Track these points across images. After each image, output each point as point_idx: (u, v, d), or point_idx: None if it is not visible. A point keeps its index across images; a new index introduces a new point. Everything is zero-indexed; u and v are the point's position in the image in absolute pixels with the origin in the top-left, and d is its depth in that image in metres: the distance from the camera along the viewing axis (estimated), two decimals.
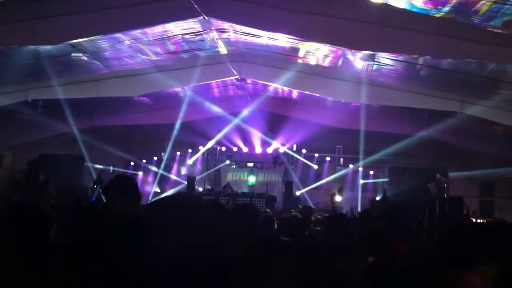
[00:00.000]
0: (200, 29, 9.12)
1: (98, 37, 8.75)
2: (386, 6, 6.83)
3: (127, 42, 9.28)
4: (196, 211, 1.32)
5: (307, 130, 15.41)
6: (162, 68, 10.79)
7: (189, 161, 18.12)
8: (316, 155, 17.59)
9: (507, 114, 10.01)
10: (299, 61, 10.32)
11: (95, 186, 14.63)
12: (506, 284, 2.01)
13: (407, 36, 7.31)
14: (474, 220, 7.58)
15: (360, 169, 17.10)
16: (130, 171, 17.50)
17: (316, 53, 9.69)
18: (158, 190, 17.40)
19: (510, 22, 6.35)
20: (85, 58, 9.62)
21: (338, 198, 15.09)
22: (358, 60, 9.45)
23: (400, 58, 8.85)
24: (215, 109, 14.79)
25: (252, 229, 3.00)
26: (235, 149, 18.01)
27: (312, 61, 10.19)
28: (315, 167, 17.62)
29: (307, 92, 11.66)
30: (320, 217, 6.36)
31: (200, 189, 16.36)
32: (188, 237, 1.24)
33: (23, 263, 1.89)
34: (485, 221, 9.45)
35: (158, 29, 8.93)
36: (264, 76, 11.54)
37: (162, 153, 17.63)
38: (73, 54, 9.30)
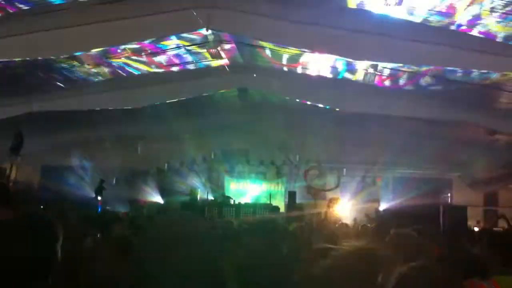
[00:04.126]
0: (202, 40, 9.17)
1: (100, 49, 8.81)
2: (387, 17, 6.88)
3: (130, 54, 9.34)
4: None
5: (311, 139, 15.40)
6: (164, 79, 10.81)
7: (192, 171, 18.11)
8: (319, 165, 17.57)
9: (509, 122, 10.02)
10: (302, 71, 10.34)
11: (97, 196, 14.79)
12: None
13: (407, 46, 7.33)
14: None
15: (363, 178, 17.10)
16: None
17: (319, 63, 9.72)
18: (161, 200, 17.43)
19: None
20: (88, 70, 9.68)
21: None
22: (360, 70, 9.50)
23: (402, 68, 8.88)
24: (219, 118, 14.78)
25: None
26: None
27: (315, 71, 10.22)
28: (319, 177, 17.60)
29: (309, 103, 11.65)
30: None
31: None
32: None
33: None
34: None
35: (160, 41, 9.00)
36: (267, 87, 11.56)
37: (165, 163, 17.67)
38: (77, 66, 9.36)
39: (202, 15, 7.54)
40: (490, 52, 6.89)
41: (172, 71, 10.69)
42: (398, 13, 6.78)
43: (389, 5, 6.58)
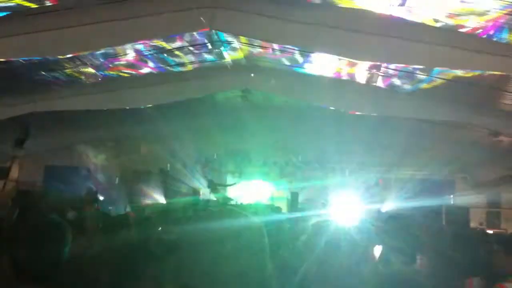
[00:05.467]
0: (205, 40, 9.14)
1: (103, 49, 8.81)
2: (390, 17, 6.85)
3: (133, 54, 9.33)
4: None
5: (313, 141, 15.38)
6: (166, 79, 10.79)
7: (194, 172, 18.09)
8: (321, 165, 17.56)
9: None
10: (307, 71, 10.32)
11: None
12: None
13: (411, 46, 7.30)
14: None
15: (365, 179, 17.05)
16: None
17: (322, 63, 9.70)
18: (162, 200, 17.42)
19: None
20: (92, 70, 9.67)
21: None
22: (363, 70, 9.47)
23: (405, 69, 8.86)
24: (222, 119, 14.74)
25: None
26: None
27: (318, 71, 10.19)
28: (322, 178, 17.58)
29: (313, 103, 11.63)
30: None
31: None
32: None
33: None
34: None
35: (162, 41, 8.98)
36: (271, 88, 11.53)
37: (167, 164, 17.65)
38: (79, 67, 9.35)
39: (205, 15, 7.52)
40: (495, 54, 6.88)
41: (174, 72, 10.67)
42: (401, 13, 6.76)
43: (393, 5, 6.57)
